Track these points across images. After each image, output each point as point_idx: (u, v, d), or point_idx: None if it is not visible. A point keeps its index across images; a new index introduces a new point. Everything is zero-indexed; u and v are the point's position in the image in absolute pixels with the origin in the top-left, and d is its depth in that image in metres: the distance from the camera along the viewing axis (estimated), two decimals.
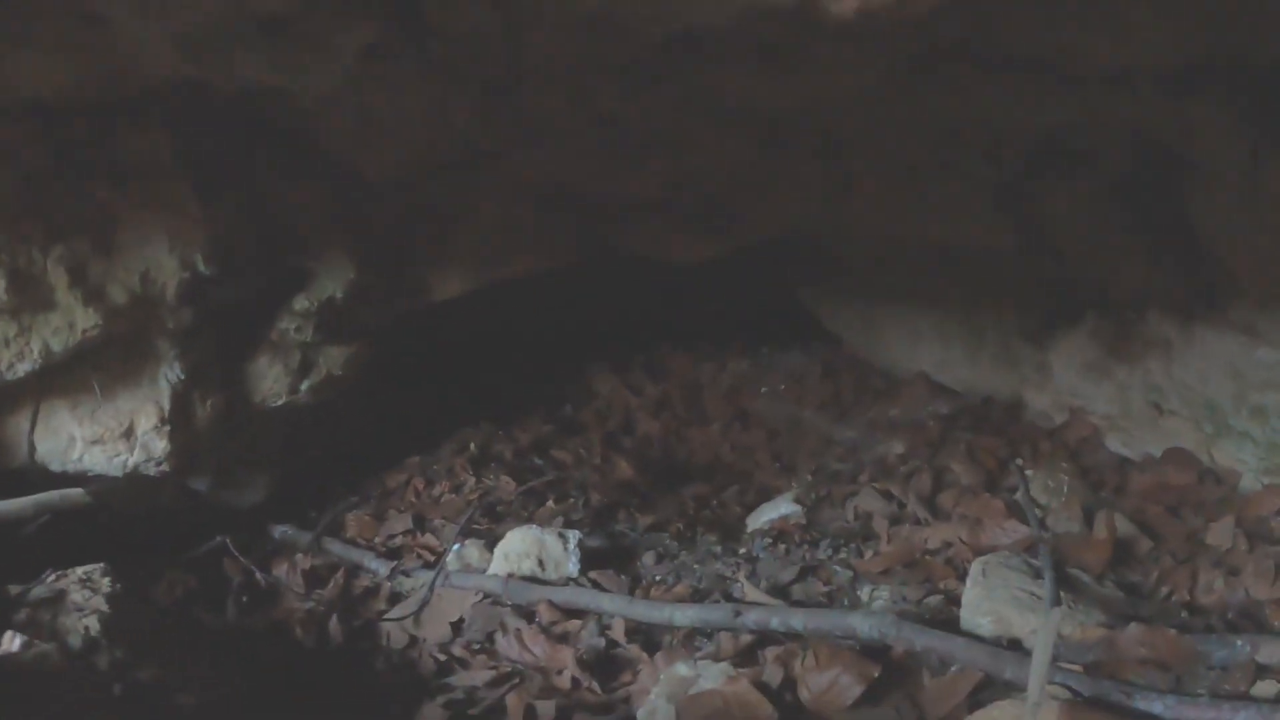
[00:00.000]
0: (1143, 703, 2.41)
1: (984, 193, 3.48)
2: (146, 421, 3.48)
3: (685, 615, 3.09)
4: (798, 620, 2.93)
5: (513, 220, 3.74)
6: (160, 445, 3.49)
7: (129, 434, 3.46)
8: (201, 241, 3.32)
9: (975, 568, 3.04)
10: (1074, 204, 3.37)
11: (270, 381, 3.73)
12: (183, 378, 3.51)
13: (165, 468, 3.53)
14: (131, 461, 3.50)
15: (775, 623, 2.96)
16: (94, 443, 3.43)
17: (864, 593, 3.23)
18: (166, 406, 3.49)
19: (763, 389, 5.14)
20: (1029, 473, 3.66)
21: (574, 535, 3.51)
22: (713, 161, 3.41)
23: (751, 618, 2.99)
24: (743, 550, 3.63)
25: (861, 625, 2.85)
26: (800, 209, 3.67)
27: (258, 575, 3.65)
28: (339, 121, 3.35)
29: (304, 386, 3.80)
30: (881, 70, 2.87)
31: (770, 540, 3.64)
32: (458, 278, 3.88)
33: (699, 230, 3.80)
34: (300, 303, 3.66)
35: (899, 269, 4.37)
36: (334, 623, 3.39)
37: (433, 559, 3.65)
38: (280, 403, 3.76)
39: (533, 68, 2.97)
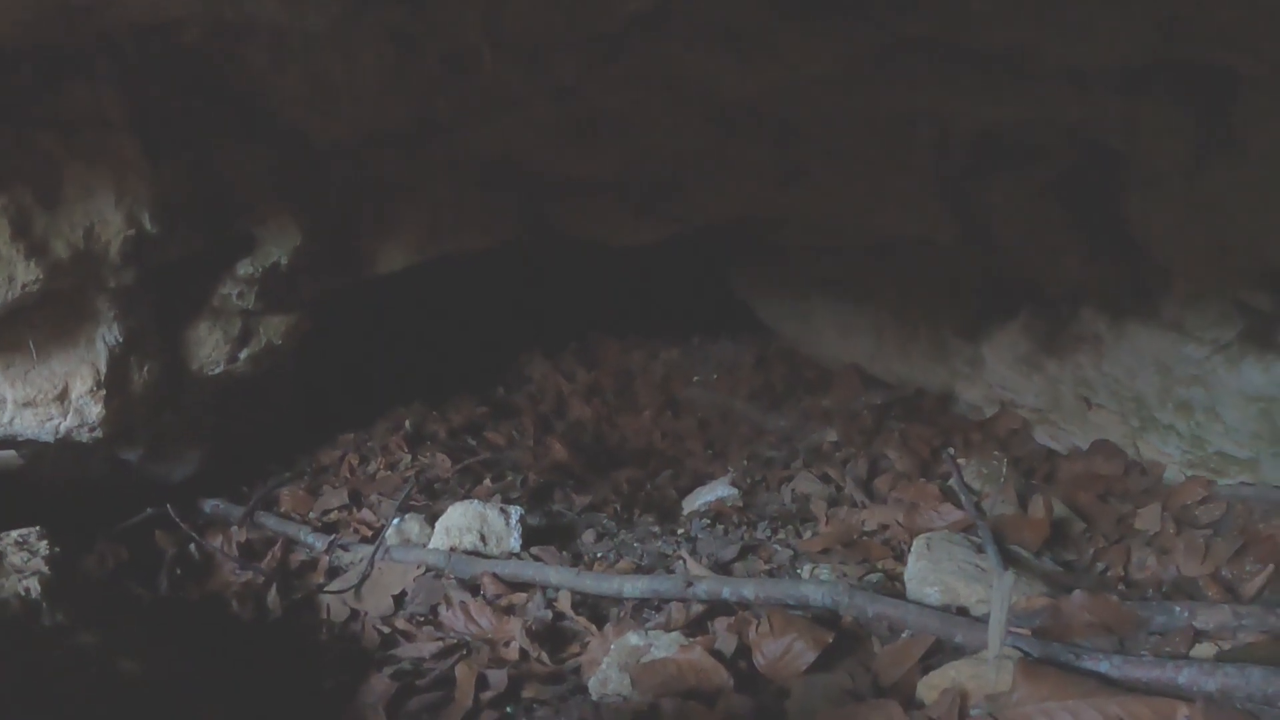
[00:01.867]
0: (1090, 663, 2.52)
1: (929, 185, 3.58)
2: (82, 385, 3.38)
3: (635, 587, 3.12)
4: (749, 590, 2.98)
5: (459, 196, 3.74)
6: (95, 410, 3.40)
7: (63, 397, 3.36)
8: (148, 199, 3.26)
9: (919, 543, 3.14)
10: (1015, 199, 3.49)
11: (209, 349, 3.66)
12: (121, 341, 3.41)
13: (99, 434, 3.43)
14: (64, 426, 3.40)
15: (727, 592, 3.00)
16: (26, 405, 3.32)
17: (805, 570, 3.29)
18: (103, 370, 3.39)
19: (694, 378, 5.20)
20: (961, 461, 3.78)
21: (516, 511, 3.53)
22: (666, 143, 3.46)
23: (704, 587, 3.03)
24: (681, 530, 3.68)
25: (814, 594, 2.91)
26: (750, 195, 3.73)
27: (193, 547, 3.55)
28: (292, 86, 3.33)
29: (243, 355, 3.73)
30: (844, 61, 2.96)
31: (709, 521, 3.71)
32: (401, 251, 3.85)
33: (646, 213, 3.84)
34: (244, 268, 3.59)
35: (834, 261, 4.47)
36: (272, 595, 3.33)
37: (370, 534, 3.62)
38: (218, 371, 3.69)
39: (501, 38, 3.00)
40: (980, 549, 3.08)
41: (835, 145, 3.48)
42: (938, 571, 2.98)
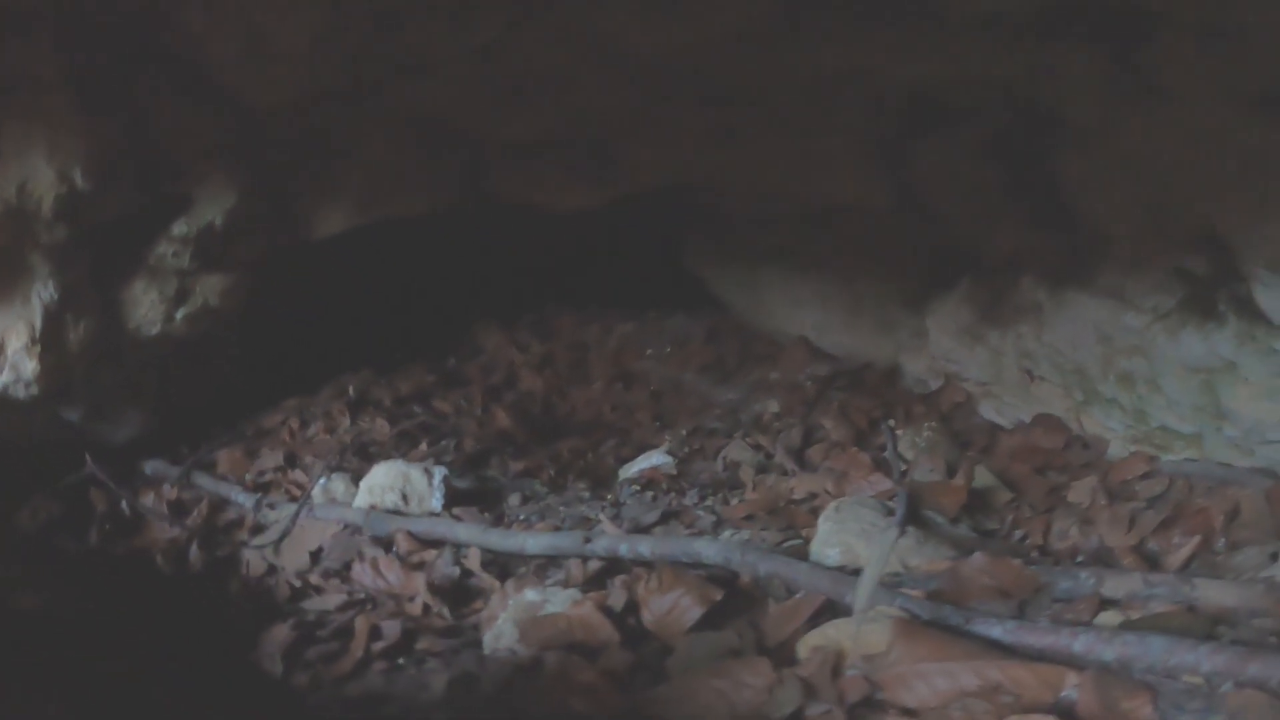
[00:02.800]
0: (982, 627, 2.45)
1: (863, 148, 3.54)
2: (17, 340, 3.43)
3: (537, 543, 3.12)
4: (646, 547, 2.97)
5: (397, 158, 3.75)
6: (30, 366, 3.44)
7: None
8: (81, 156, 3.29)
9: (830, 507, 3.10)
10: (948, 162, 3.44)
11: (145, 308, 3.69)
12: (56, 297, 3.45)
13: (35, 391, 3.48)
14: (0, 382, 3.45)
15: (624, 549, 2.99)
16: None
17: (725, 535, 3.26)
18: (38, 326, 3.44)
19: (648, 351, 5.19)
20: (900, 432, 3.72)
21: (439, 471, 3.53)
22: (594, 104, 3.45)
23: (601, 544, 3.02)
24: (610, 497, 3.67)
25: (707, 550, 2.89)
26: (682, 158, 3.71)
27: (124, 504, 3.60)
28: (229, 47, 3.34)
29: (179, 315, 3.75)
30: (751, 14, 2.93)
31: (639, 488, 3.70)
32: (341, 214, 3.86)
33: (582, 177, 3.83)
34: (179, 228, 3.62)
35: (780, 230, 4.42)
36: (194, 550, 3.39)
37: (300, 494, 3.64)
38: (155, 331, 3.72)
39: None
40: (891, 513, 3.01)
41: (763, 106, 3.45)
42: (841, 533, 2.94)
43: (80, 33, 3.27)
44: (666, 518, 3.42)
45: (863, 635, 2.47)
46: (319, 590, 3.16)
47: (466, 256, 5.86)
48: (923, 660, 2.34)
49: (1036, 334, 3.72)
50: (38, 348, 3.45)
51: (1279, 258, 2.89)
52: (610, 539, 3.03)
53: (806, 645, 2.49)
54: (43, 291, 3.45)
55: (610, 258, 5.93)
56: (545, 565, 3.10)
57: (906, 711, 2.27)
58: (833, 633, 2.48)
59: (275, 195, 3.77)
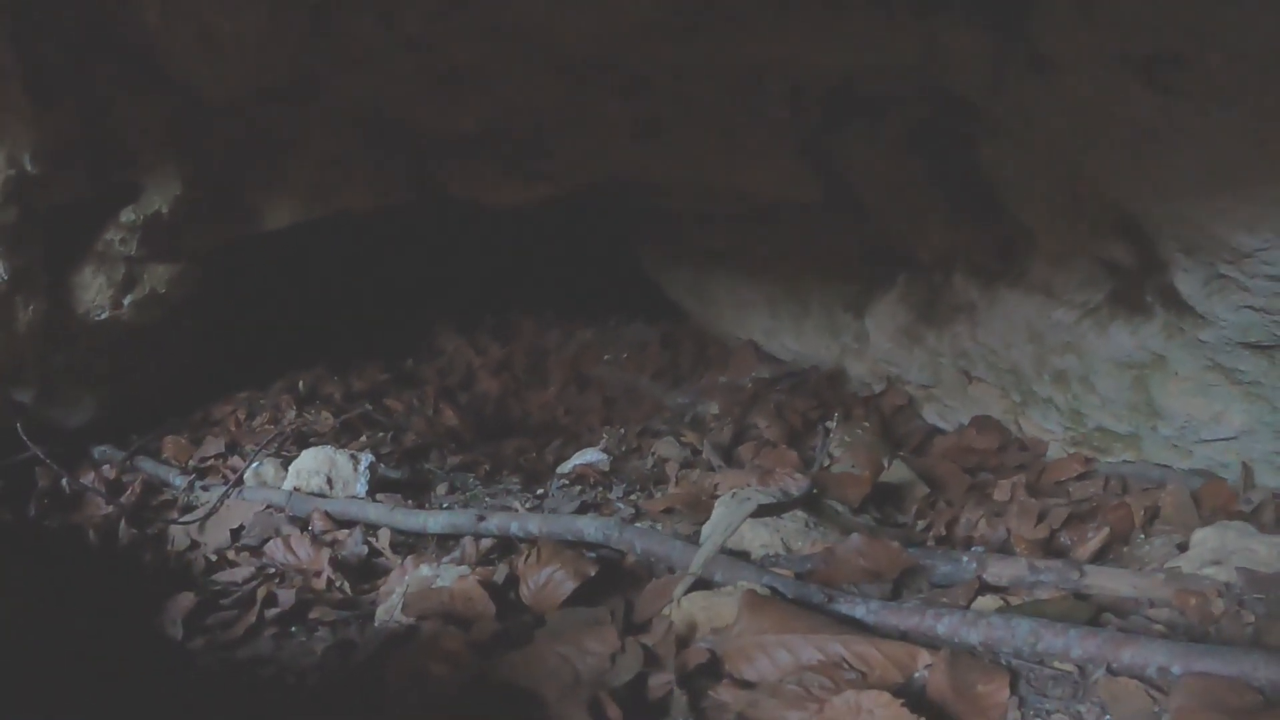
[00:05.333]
0: (845, 606, 2.45)
1: (788, 141, 3.56)
2: None
3: (437, 522, 3.20)
4: (534, 524, 3.03)
5: (343, 152, 3.84)
6: None
7: None
8: (31, 141, 3.41)
9: (727, 494, 3.08)
10: (873, 156, 3.44)
11: (93, 293, 3.79)
12: (6, 279, 3.56)
13: None
14: None
15: (514, 527, 3.06)
16: None
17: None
18: None
19: (605, 356, 5.24)
20: (832, 430, 3.69)
21: (366, 458, 3.60)
22: (523, 97, 3.51)
23: (494, 523, 3.09)
24: (540, 491, 3.69)
25: (588, 528, 2.95)
26: (613, 153, 3.75)
27: (64, 481, 3.70)
28: (182, 40, 3.47)
29: (127, 301, 3.85)
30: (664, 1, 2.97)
31: (568, 482, 3.71)
32: (288, 207, 3.96)
33: (518, 173, 3.89)
34: (127, 215, 3.72)
35: (724, 231, 4.44)
36: (123, 526, 3.46)
37: (234, 477, 3.71)
38: (103, 316, 3.82)
39: None
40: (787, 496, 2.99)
41: (687, 99, 3.49)
42: (725, 518, 2.90)
43: (36, 23, 3.41)
44: (586, 509, 3.44)
45: (716, 608, 2.49)
46: (233, 564, 3.24)
47: (429, 260, 5.96)
48: (765, 632, 2.34)
49: (971, 333, 3.69)
50: None
51: (1192, 240, 2.85)
52: (502, 517, 3.08)
53: (663, 619, 2.49)
54: None
55: (573, 264, 6.01)
56: (445, 543, 3.17)
57: (743, 683, 2.28)
58: (687, 605, 2.50)
59: (223, 186, 3.87)
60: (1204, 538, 2.69)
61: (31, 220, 3.56)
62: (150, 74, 3.59)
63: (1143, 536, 2.93)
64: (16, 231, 3.55)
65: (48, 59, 3.47)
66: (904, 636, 2.35)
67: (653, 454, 3.85)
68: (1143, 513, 2.99)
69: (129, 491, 3.68)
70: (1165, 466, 3.29)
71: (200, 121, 3.70)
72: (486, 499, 3.58)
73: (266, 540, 3.30)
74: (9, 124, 3.41)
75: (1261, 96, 2.42)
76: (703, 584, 2.61)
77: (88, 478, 3.78)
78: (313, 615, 2.84)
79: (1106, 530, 2.90)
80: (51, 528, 3.54)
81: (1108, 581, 2.58)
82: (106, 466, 3.87)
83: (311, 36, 3.41)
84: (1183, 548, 2.75)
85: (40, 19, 3.40)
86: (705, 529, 2.95)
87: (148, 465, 3.88)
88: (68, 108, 3.52)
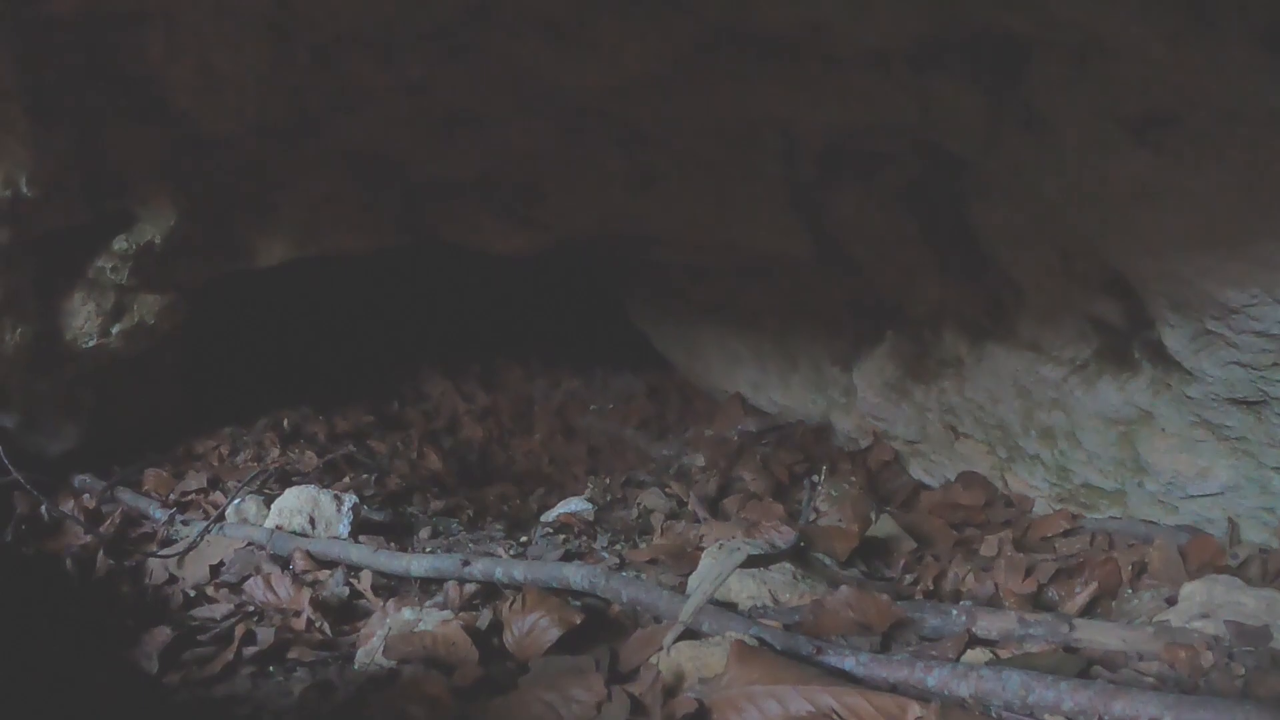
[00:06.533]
0: (834, 658, 2.42)
1: (782, 196, 3.59)
2: None
3: (420, 565, 3.16)
4: (519, 571, 3.00)
5: (337, 192, 3.85)
6: None
7: None
8: (28, 163, 3.41)
9: (714, 545, 3.08)
10: (865, 212, 3.47)
11: (82, 320, 3.76)
12: None
13: None
14: None
15: (499, 573, 3.03)
16: None
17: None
18: None
19: (591, 407, 5.25)
20: (819, 483, 3.69)
21: (350, 498, 3.58)
22: (521, 145, 3.54)
23: (478, 568, 3.07)
24: (524, 539, 3.66)
25: (574, 575, 2.92)
26: (608, 203, 3.78)
27: (44, 508, 3.66)
28: (184, 75, 3.48)
29: (115, 330, 3.83)
30: (667, 53, 3.01)
31: (552, 531, 3.69)
32: (282, 245, 3.95)
33: (511, 220, 3.90)
34: (120, 244, 3.71)
35: (714, 285, 4.46)
36: (101, 556, 3.42)
37: (215, 513, 3.68)
38: (91, 344, 3.79)
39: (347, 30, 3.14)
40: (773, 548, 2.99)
41: (683, 151, 3.52)
42: (714, 568, 2.88)
43: (41, 48, 3.42)
44: (570, 557, 3.41)
45: (704, 658, 2.47)
46: (211, 600, 3.20)
47: (419, 306, 5.96)
48: (754, 683, 2.31)
49: (959, 389, 3.71)
50: None
51: (1181, 296, 2.88)
52: (487, 562, 3.06)
53: (649, 667, 2.47)
54: None
55: (561, 313, 6.02)
56: (428, 587, 3.14)
57: None
58: (677, 655, 2.48)
59: (217, 221, 3.87)
60: (1192, 591, 2.70)
61: (24, 243, 3.55)
62: (148, 105, 3.60)
63: (1130, 591, 2.94)
64: (8, 254, 3.54)
65: (49, 83, 3.47)
66: (894, 689, 2.32)
67: (638, 504, 3.84)
68: (1130, 568, 2.99)
69: (108, 522, 3.63)
70: (1151, 522, 3.31)
71: (197, 154, 3.70)
72: (470, 545, 3.55)
73: (246, 578, 3.26)
74: (8, 145, 3.41)
75: (1249, 155, 2.47)
76: (690, 634, 2.58)
77: (67, 506, 3.74)
78: (291, 655, 2.81)
79: (1094, 585, 2.91)
80: (28, 554, 3.49)
81: (1097, 635, 2.57)
82: (86, 495, 3.82)
83: (311, 76, 3.43)
84: (1171, 602, 2.77)
85: (44, 44, 3.40)
86: (693, 579, 2.94)
87: (128, 496, 3.83)
88: (66, 133, 3.52)
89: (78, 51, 3.44)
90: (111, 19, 3.32)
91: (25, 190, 3.43)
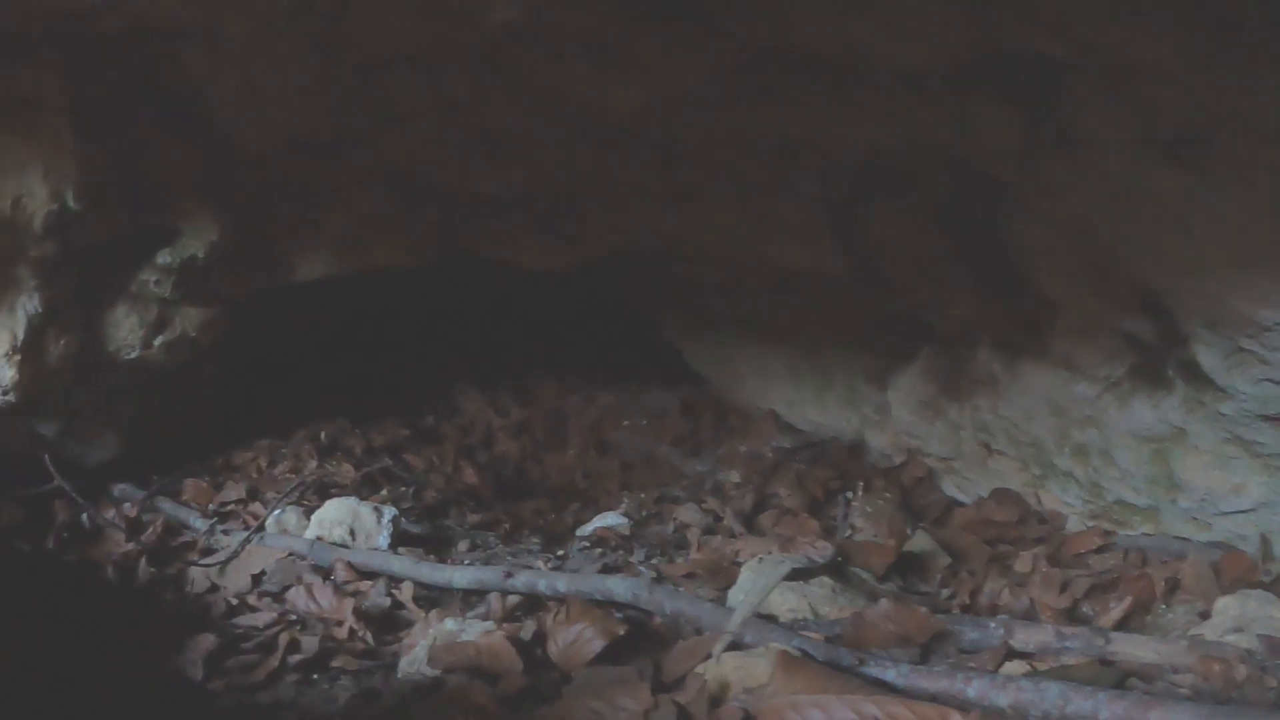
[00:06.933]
0: (876, 670, 2.45)
1: (817, 214, 3.62)
2: None
3: (463, 577, 3.19)
4: (562, 583, 3.02)
5: (378, 209, 3.90)
6: (9, 374, 3.56)
7: None
8: (74, 178, 3.47)
9: (754, 559, 3.10)
10: (899, 229, 3.49)
11: (125, 331, 3.82)
12: (40, 311, 3.59)
13: (11, 398, 3.60)
14: None
15: (543, 585, 3.05)
16: None
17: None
18: (20, 335, 3.57)
19: (625, 422, 5.27)
20: (853, 500, 3.72)
21: (389, 511, 3.61)
22: (560, 162, 3.58)
23: (521, 580, 3.09)
24: (561, 552, 3.69)
25: (618, 588, 2.94)
26: (644, 219, 3.82)
27: (85, 516, 3.71)
28: (227, 90, 3.54)
29: (157, 342, 3.88)
30: (704, 72, 3.05)
31: (589, 544, 3.72)
32: (322, 260, 4.01)
33: (550, 236, 3.95)
34: (163, 257, 3.77)
35: (748, 300, 4.49)
36: (143, 564, 3.46)
37: (255, 523, 3.72)
38: (134, 355, 3.85)
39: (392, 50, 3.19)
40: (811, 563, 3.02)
41: (719, 168, 3.56)
42: (757, 581, 2.92)
43: (86, 63, 3.48)
44: (608, 570, 3.43)
45: (748, 669, 2.48)
46: (253, 609, 3.23)
47: (454, 320, 6.00)
48: (798, 693, 2.33)
49: (993, 407, 3.73)
50: (18, 357, 3.58)
51: (1214, 314, 2.90)
52: (530, 575, 3.08)
53: (696, 677, 2.50)
54: (28, 303, 3.60)
55: (595, 329, 6.06)
56: (470, 598, 3.16)
57: None
58: (721, 666, 2.50)
59: (258, 235, 3.93)
60: (1225, 606, 2.72)
61: (69, 255, 3.60)
62: (191, 120, 3.66)
63: (1164, 606, 2.95)
64: (54, 266, 3.59)
65: (94, 99, 3.53)
66: (934, 699, 2.34)
67: (674, 519, 3.87)
68: (1163, 583, 3.01)
69: (150, 530, 3.67)
70: (1184, 539, 3.32)
71: (239, 170, 3.76)
72: (508, 557, 3.58)
73: (288, 587, 3.29)
74: (55, 159, 3.46)
75: (1278, 177, 2.50)
76: (733, 645, 2.61)
77: (107, 514, 3.79)
78: (335, 663, 2.85)
79: (1129, 600, 2.93)
80: (70, 561, 3.55)
81: (1132, 648, 2.59)
82: (127, 505, 3.88)
83: (354, 93, 3.48)
84: (1204, 616, 2.79)
85: (88, 58, 3.46)
86: (734, 592, 2.97)
87: (167, 506, 3.88)
88: (110, 148, 3.58)
89: (123, 68, 3.51)
90: (158, 35, 3.37)
91: (71, 204, 3.48)
